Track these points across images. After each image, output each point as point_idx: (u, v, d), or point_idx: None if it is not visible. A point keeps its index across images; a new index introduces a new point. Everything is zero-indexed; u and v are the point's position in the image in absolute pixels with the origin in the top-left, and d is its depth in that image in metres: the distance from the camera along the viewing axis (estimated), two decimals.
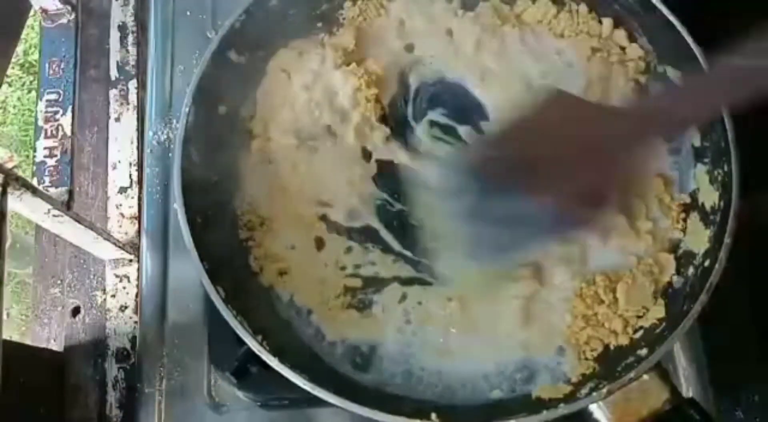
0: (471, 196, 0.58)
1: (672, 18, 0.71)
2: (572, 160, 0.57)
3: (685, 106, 0.59)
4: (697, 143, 0.72)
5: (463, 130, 0.77)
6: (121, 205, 0.85)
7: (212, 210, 0.71)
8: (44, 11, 0.93)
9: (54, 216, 0.69)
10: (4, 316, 0.62)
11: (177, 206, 0.66)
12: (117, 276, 0.82)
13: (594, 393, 0.60)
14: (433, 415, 0.61)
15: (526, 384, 0.67)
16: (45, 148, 0.87)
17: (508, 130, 0.62)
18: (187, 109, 0.69)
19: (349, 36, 0.79)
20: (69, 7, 0.93)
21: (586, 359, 0.66)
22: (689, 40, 0.70)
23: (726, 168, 0.67)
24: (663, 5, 0.71)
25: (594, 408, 0.61)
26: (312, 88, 0.76)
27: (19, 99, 1.72)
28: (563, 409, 0.60)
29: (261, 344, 0.62)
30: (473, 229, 0.60)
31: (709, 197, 0.69)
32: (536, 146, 0.58)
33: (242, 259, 0.71)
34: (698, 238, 0.69)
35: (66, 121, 0.89)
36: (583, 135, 0.58)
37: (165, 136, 0.84)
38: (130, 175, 0.86)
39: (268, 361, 0.61)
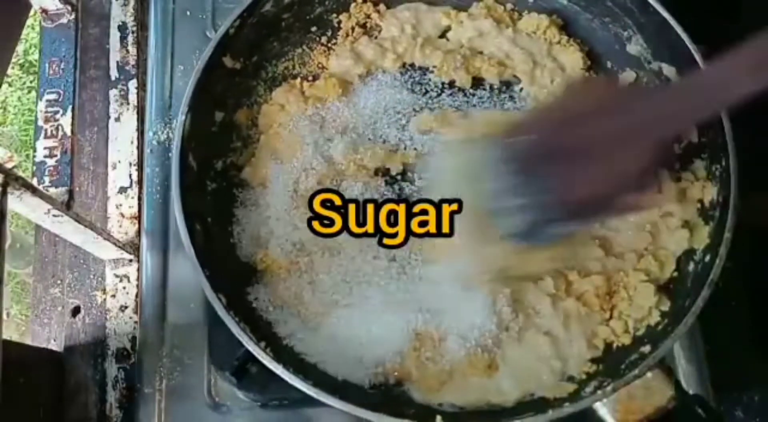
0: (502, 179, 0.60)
1: (667, 15, 0.71)
2: (598, 148, 0.57)
3: (684, 104, 0.58)
4: (695, 139, 0.72)
5: None
6: (121, 205, 0.85)
7: (212, 216, 0.71)
8: (44, 11, 0.93)
9: (54, 216, 0.69)
10: (4, 316, 0.62)
11: (177, 214, 0.66)
12: (117, 276, 0.82)
13: (599, 392, 0.60)
14: (438, 418, 0.61)
15: None
16: (45, 148, 0.87)
17: (541, 114, 0.63)
18: (183, 117, 0.69)
19: (331, 87, 0.76)
20: (69, 7, 0.93)
21: (590, 358, 0.66)
22: (684, 37, 0.70)
23: (724, 163, 0.67)
24: (658, 3, 0.71)
25: (599, 407, 0.61)
26: None
27: (19, 99, 1.71)
28: (569, 408, 0.60)
29: (264, 350, 0.61)
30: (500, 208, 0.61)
31: (708, 193, 0.69)
32: (567, 131, 0.58)
33: (243, 265, 0.71)
34: (698, 235, 0.69)
35: (66, 121, 0.89)
36: (609, 121, 0.57)
37: (165, 136, 0.84)
38: (130, 175, 0.86)
39: (272, 368, 0.61)
